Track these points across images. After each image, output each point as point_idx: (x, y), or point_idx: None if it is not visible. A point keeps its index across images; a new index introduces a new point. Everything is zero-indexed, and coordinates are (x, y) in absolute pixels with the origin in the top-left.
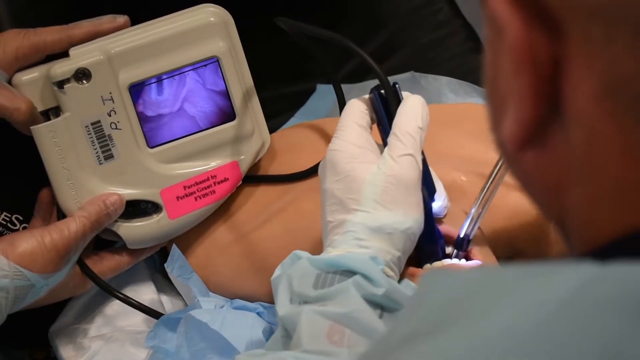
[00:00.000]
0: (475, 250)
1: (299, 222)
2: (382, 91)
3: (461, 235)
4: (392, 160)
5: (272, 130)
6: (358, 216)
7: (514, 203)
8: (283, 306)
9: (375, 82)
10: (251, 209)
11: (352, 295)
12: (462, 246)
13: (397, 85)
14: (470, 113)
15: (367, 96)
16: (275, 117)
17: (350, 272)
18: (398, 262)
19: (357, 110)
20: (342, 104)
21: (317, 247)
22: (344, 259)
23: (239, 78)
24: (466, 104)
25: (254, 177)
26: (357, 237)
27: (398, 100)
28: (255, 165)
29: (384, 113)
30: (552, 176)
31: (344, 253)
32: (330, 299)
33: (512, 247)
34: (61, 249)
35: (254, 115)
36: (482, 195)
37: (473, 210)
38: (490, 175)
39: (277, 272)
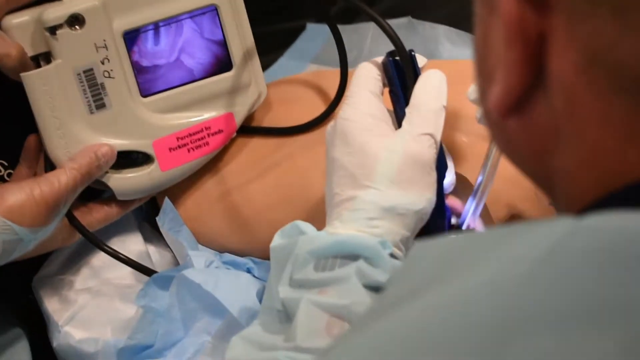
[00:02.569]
0: (478, 224)
1: (293, 178)
2: (397, 58)
3: (463, 228)
4: (411, 139)
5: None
6: (370, 194)
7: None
8: (284, 288)
9: (368, 26)
10: (244, 162)
11: (353, 285)
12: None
13: (413, 53)
14: (471, 72)
15: (379, 59)
16: (262, 55)
17: (354, 255)
18: (407, 241)
19: (370, 75)
20: (341, 48)
21: (311, 206)
22: (353, 240)
23: (238, 27)
24: (466, 61)
25: (247, 128)
26: (368, 216)
27: (414, 69)
28: (249, 116)
29: (398, 81)
30: (536, 142)
31: (353, 233)
32: (331, 284)
33: (511, 209)
34: (51, 202)
35: (251, 65)
36: (481, 184)
37: (473, 202)
38: (485, 163)
39: (276, 239)
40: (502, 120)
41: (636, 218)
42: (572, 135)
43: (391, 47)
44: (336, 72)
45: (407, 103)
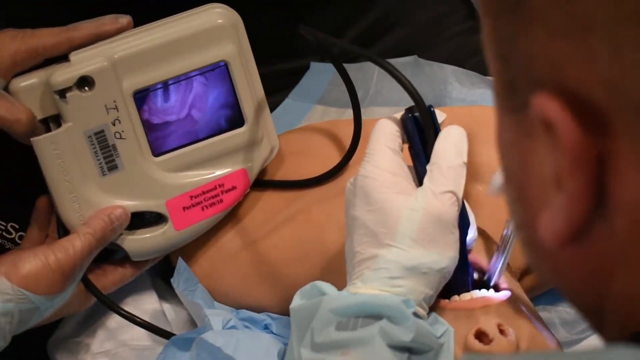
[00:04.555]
0: (502, 280)
1: (308, 233)
2: (417, 114)
3: (491, 284)
4: (434, 197)
5: None
6: (392, 253)
7: None
8: (306, 351)
9: (373, 65)
10: (258, 216)
11: (377, 346)
12: (489, 286)
13: (432, 109)
14: (485, 118)
15: (398, 115)
16: (266, 96)
17: (377, 315)
18: (430, 299)
19: (389, 132)
20: (353, 96)
21: (327, 261)
22: (376, 299)
23: (248, 82)
24: (480, 107)
25: (260, 182)
26: (391, 275)
27: (434, 125)
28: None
29: (418, 138)
30: (590, 267)
31: (376, 293)
32: (354, 345)
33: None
34: (66, 268)
35: (263, 120)
36: (506, 243)
37: (500, 260)
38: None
39: (296, 300)
40: (557, 250)
41: None
42: (636, 258)
43: (398, 87)
44: (348, 121)
45: (427, 159)
